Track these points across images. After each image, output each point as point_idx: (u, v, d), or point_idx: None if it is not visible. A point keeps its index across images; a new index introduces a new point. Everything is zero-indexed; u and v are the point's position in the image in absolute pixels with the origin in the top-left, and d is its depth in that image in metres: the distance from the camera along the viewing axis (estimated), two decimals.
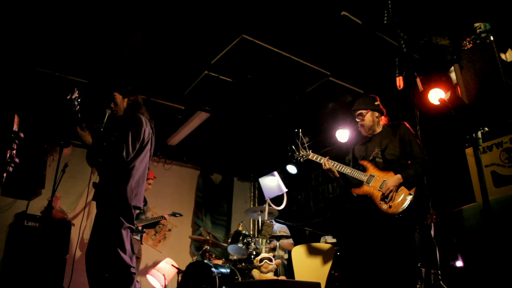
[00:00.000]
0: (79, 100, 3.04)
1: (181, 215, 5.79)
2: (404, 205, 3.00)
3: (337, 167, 3.33)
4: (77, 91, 3.02)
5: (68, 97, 2.98)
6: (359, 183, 3.26)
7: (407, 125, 3.31)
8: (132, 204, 3.00)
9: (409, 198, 3.01)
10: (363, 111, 3.40)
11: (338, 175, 3.38)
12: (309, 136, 6.25)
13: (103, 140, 3.11)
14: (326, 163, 3.36)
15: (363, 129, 3.43)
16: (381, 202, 3.09)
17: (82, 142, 3.17)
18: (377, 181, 3.16)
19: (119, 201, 2.96)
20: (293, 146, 3.57)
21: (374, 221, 3.16)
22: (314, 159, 3.48)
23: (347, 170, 3.29)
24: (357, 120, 3.46)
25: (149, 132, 3.21)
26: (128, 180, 3.00)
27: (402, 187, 3.06)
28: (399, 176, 3.06)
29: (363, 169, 3.28)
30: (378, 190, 3.12)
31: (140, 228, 5.22)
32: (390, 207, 3.04)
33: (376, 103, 3.43)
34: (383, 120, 3.43)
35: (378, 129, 3.40)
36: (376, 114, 3.41)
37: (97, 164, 3.17)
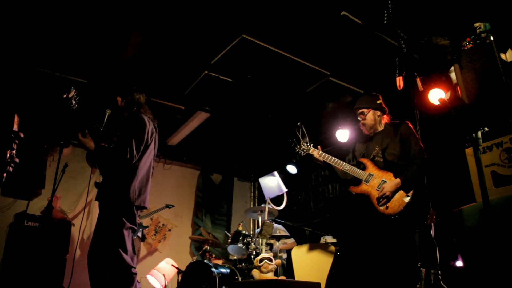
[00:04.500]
0: (76, 99, 3.01)
1: (173, 206, 6.22)
2: (401, 207, 3.00)
3: (335, 162, 3.33)
4: (73, 90, 2.98)
5: (65, 96, 2.93)
6: (356, 181, 3.25)
7: (409, 124, 3.30)
8: (135, 204, 2.99)
9: (407, 200, 3.00)
10: (365, 110, 3.40)
11: (323, 164, 3.41)
12: (309, 136, 6.24)
13: (103, 140, 3.10)
14: (317, 156, 3.38)
15: (365, 128, 3.43)
16: (378, 202, 3.09)
17: (85, 148, 3.11)
18: (376, 181, 3.16)
19: (121, 201, 2.96)
20: (294, 140, 3.57)
21: (372, 221, 3.16)
22: (314, 154, 3.47)
23: (346, 167, 3.28)
24: (359, 118, 3.46)
25: (152, 131, 3.20)
26: (132, 180, 2.99)
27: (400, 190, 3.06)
28: (397, 181, 3.05)
29: (363, 168, 3.28)
30: (376, 189, 3.12)
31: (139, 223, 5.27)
32: (387, 208, 3.04)
33: (378, 101, 3.43)
34: (385, 119, 3.43)
35: (380, 128, 3.40)
36: (378, 113, 3.41)
37: (100, 165, 3.16)
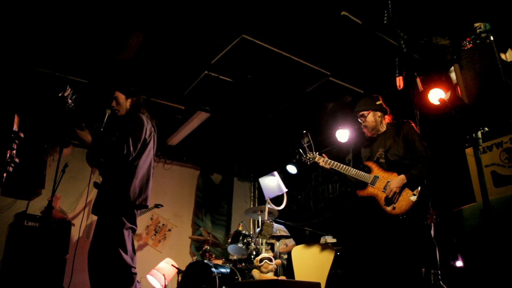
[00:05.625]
0: (73, 98, 2.99)
1: (162, 205, 6.30)
2: (408, 206, 2.99)
3: (340, 168, 3.33)
4: (69, 89, 2.96)
5: (60, 95, 2.92)
6: (362, 184, 3.25)
7: (412, 123, 3.30)
8: (136, 203, 3.00)
9: (413, 198, 2.99)
10: (365, 112, 3.40)
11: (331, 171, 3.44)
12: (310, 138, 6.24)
13: (103, 140, 3.11)
14: (322, 164, 3.41)
15: (367, 130, 3.43)
16: (385, 204, 3.08)
17: (81, 142, 3.12)
18: (382, 182, 3.15)
19: (121, 201, 2.96)
20: (300, 150, 3.59)
21: (379, 222, 3.14)
22: (320, 162, 3.48)
23: (352, 171, 3.28)
24: (360, 121, 3.46)
25: (150, 130, 3.21)
26: (132, 179, 3.00)
27: (406, 188, 3.05)
28: (402, 176, 3.05)
29: (368, 170, 3.27)
30: (382, 191, 3.11)
31: None
32: (394, 208, 3.02)
33: (378, 102, 3.42)
34: (387, 119, 3.42)
35: (382, 129, 3.39)
36: (378, 114, 3.40)
37: (99, 164, 3.16)
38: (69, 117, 3.00)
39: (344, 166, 3.34)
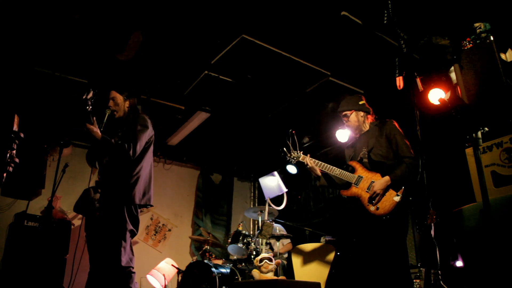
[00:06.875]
0: (92, 100, 3.02)
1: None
2: (391, 207, 2.98)
3: (325, 167, 3.31)
4: (92, 91, 3.00)
5: (84, 97, 2.96)
6: (346, 184, 3.24)
7: (395, 123, 3.28)
8: (141, 203, 3.06)
9: (397, 199, 2.98)
10: (347, 112, 3.38)
11: (319, 174, 3.40)
12: (309, 136, 6.24)
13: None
14: (309, 162, 3.36)
15: (350, 130, 3.43)
16: (369, 204, 3.07)
17: (91, 139, 3.03)
18: (365, 182, 3.13)
19: (127, 203, 2.98)
20: (284, 148, 3.55)
21: (363, 222, 3.13)
22: (304, 161, 3.45)
23: (336, 171, 3.26)
24: (343, 121, 3.45)
25: (152, 132, 3.24)
26: (137, 182, 3.04)
27: (390, 189, 3.04)
28: (387, 178, 3.03)
29: (352, 170, 3.25)
30: (366, 191, 3.10)
31: None
32: (377, 209, 3.01)
33: (360, 102, 3.40)
34: (370, 118, 3.41)
35: (365, 129, 3.38)
36: (361, 113, 3.38)
37: (102, 165, 3.17)
38: (87, 118, 3.00)
39: (329, 165, 3.30)
